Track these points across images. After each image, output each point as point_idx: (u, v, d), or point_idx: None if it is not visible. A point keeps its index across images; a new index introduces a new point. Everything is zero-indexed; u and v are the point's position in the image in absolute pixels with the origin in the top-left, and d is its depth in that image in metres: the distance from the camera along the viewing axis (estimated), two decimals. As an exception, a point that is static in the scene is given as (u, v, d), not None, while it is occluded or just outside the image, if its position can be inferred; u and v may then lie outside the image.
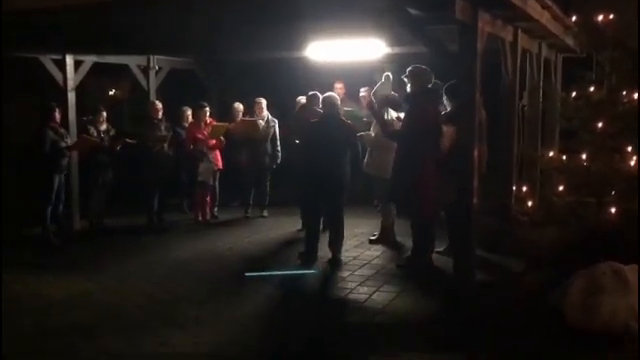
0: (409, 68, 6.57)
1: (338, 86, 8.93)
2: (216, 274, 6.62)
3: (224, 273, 6.65)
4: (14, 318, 5.37)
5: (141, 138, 8.79)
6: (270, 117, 9.47)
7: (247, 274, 3.23)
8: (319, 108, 7.30)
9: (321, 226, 7.30)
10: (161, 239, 8.32)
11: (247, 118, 9.46)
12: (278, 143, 9.50)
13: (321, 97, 7.24)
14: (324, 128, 6.89)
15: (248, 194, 9.65)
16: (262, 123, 9.35)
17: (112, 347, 4.72)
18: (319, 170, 6.73)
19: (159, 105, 9.03)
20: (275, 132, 9.47)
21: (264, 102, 9.44)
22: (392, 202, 7.21)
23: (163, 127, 8.95)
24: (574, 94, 6.34)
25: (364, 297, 5.78)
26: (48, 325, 5.21)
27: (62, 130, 8.26)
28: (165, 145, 8.91)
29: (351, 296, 5.82)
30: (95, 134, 8.51)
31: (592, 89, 6.22)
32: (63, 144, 8.15)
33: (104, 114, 8.66)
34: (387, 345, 4.64)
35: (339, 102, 7.19)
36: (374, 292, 5.91)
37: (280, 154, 9.50)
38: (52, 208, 8.19)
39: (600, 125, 6.02)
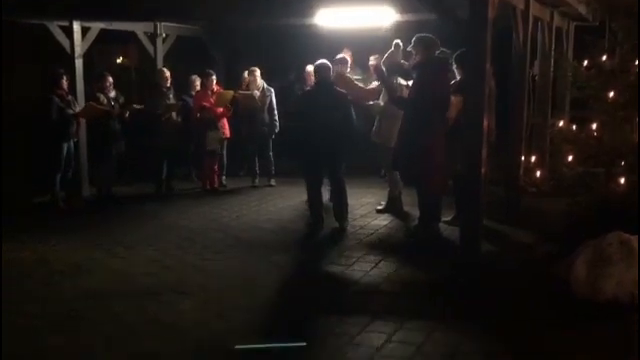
0: (415, 37, 6.48)
1: (346, 54, 8.83)
2: (223, 242, 6.66)
3: (231, 241, 6.69)
4: (23, 283, 5.45)
5: (149, 106, 8.77)
6: (266, 86, 9.39)
7: (237, 347, 3.24)
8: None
9: (328, 197, 7.30)
10: (169, 207, 8.35)
11: (243, 91, 9.38)
12: (275, 112, 9.44)
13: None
14: (317, 96, 6.83)
15: (253, 164, 9.64)
16: (257, 93, 9.29)
17: (120, 312, 4.77)
18: (315, 139, 6.69)
19: (167, 73, 8.99)
20: (272, 101, 9.39)
21: (258, 71, 9.34)
22: (396, 170, 7.18)
23: (171, 95, 8.92)
24: (586, 63, 6.25)
25: (370, 266, 5.79)
26: (57, 290, 5.27)
27: (69, 97, 8.27)
28: (173, 114, 8.90)
29: (357, 265, 5.84)
30: (105, 102, 8.49)
31: (604, 58, 6.13)
32: (70, 111, 8.15)
33: (110, 79, 8.60)
34: (392, 313, 4.66)
35: (331, 70, 7.06)
36: (380, 261, 5.92)
37: (278, 123, 9.45)
38: (61, 175, 8.23)
39: (611, 95, 5.95)
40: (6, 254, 6.16)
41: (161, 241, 6.69)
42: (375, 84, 7.80)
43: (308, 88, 7.08)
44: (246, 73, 9.55)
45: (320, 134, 6.64)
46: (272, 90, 9.43)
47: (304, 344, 3.31)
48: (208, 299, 5.02)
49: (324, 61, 7.00)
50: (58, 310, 4.83)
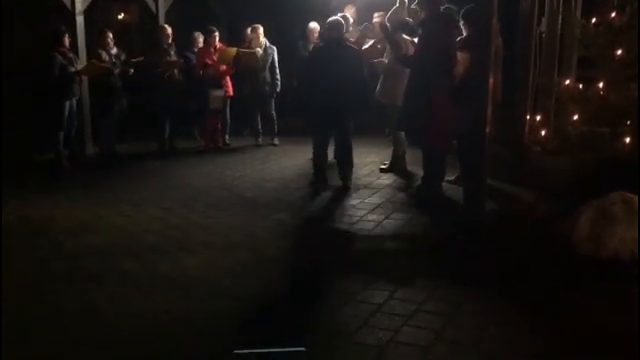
0: None
1: (350, 10, 8.69)
2: (227, 200, 6.68)
3: (235, 200, 6.71)
4: (27, 241, 5.50)
5: (150, 64, 8.69)
6: (268, 44, 9.27)
7: (235, 351, 3.25)
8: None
9: (332, 155, 7.29)
10: (173, 165, 8.36)
11: (245, 49, 9.26)
12: (277, 71, 9.34)
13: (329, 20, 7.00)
14: (330, 54, 6.74)
15: (255, 122, 9.60)
16: (260, 51, 9.17)
17: (125, 268, 4.82)
18: (325, 96, 6.62)
19: (169, 30, 8.88)
20: (274, 60, 9.28)
21: (261, 29, 9.21)
22: (401, 130, 7.14)
23: (172, 52, 8.83)
24: (594, 20, 6.14)
25: (373, 225, 5.82)
26: (61, 248, 5.32)
27: (71, 55, 8.20)
28: (175, 71, 8.82)
29: (360, 224, 5.87)
30: (107, 59, 8.42)
31: (613, 15, 6.02)
32: (72, 69, 8.10)
33: (110, 36, 8.52)
34: (394, 271, 4.70)
35: (344, 26, 6.96)
36: (383, 220, 5.94)
37: (279, 82, 9.36)
38: (64, 133, 8.23)
39: (619, 53, 5.86)
40: (10, 213, 6.20)
41: (165, 199, 6.71)
42: (370, 42, 7.70)
43: (320, 44, 6.95)
44: (249, 30, 9.42)
45: (331, 92, 6.56)
46: (274, 48, 9.32)
47: (304, 349, 3.37)
48: (212, 256, 5.07)
49: (337, 18, 6.91)
50: (62, 267, 4.88)
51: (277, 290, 4.47)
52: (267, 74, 9.29)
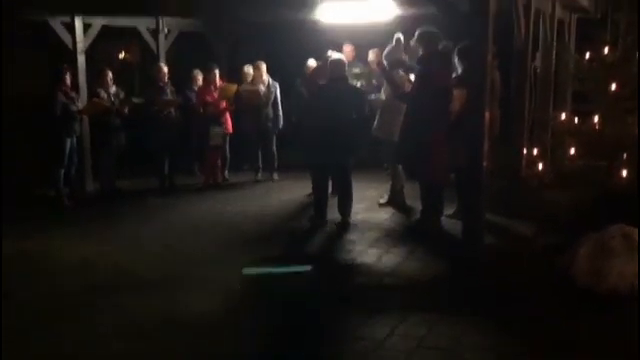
0: (417, 31, 6.48)
1: (347, 49, 8.83)
2: (226, 237, 6.68)
3: (234, 236, 6.71)
4: (26, 278, 5.48)
5: (147, 102, 8.78)
6: (271, 81, 9.39)
7: (245, 271, 3.22)
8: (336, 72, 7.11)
9: (330, 190, 7.32)
10: (172, 202, 8.38)
11: (247, 88, 9.37)
12: (280, 107, 9.44)
13: (330, 60, 7.14)
14: (332, 92, 6.83)
15: (256, 158, 9.65)
16: (263, 89, 9.28)
17: (124, 305, 4.80)
18: (326, 134, 6.69)
19: (165, 69, 8.98)
20: (277, 96, 9.40)
21: (264, 66, 9.35)
22: (399, 164, 7.18)
23: (169, 91, 8.92)
24: (588, 55, 6.24)
25: (373, 259, 5.81)
26: (61, 284, 5.30)
27: (73, 93, 8.27)
28: (172, 109, 8.89)
29: (360, 259, 5.86)
30: (105, 97, 8.51)
31: (606, 50, 6.12)
32: (74, 107, 8.17)
33: (110, 75, 8.63)
34: (395, 307, 4.68)
35: (347, 65, 7.10)
36: (383, 255, 5.94)
37: (282, 118, 9.45)
38: (65, 171, 8.26)
39: (613, 87, 5.94)
40: (10, 248, 6.19)
41: (165, 236, 6.71)
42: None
43: (323, 83, 7.08)
44: (248, 68, 9.48)
45: (333, 132, 6.63)
46: (277, 85, 9.44)
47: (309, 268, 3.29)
48: (212, 293, 5.04)
49: (340, 56, 7.02)
50: (61, 304, 4.86)
51: (276, 326, 4.45)
52: (270, 110, 9.38)
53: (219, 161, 9.35)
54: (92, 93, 8.58)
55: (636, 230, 4.90)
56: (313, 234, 6.77)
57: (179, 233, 6.82)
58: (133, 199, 8.65)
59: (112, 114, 8.50)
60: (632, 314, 4.40)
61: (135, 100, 8.77)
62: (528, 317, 4.47)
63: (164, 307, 4.76)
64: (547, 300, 4.77)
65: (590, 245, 4.96)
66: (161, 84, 8.84)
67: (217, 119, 9.08)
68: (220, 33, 11.15)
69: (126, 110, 8.64)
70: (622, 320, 4.37)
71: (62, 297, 5.00)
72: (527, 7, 6.82)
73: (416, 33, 6.48)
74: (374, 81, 8.10)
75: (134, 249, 6.26)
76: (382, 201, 7.87)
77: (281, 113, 9.45)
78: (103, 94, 8.48)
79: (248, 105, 9.36)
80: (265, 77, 9.35)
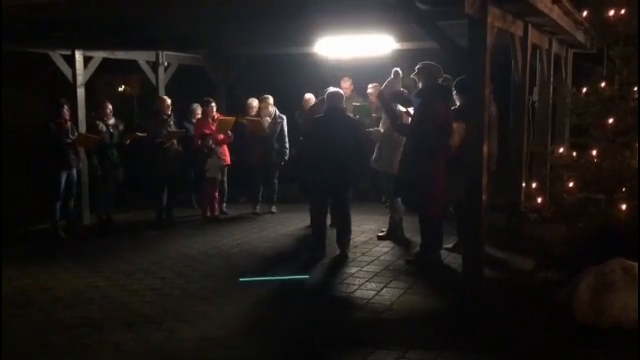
0: (418, 65, 6.54)
1: (345, 85, 8.89)
2: (224, 270, 6.62)
3: (232, 269, 6.65)
4: (22, 312, 5.41)
5: (150, 134, 8.80)
6: (278, 113, 9.41)
7: (241, 279, 3.17)
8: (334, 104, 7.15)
9: (329, 222, 7.30)
10: (170, 234, 8.33)
11: (252, 118, 9.42)
12: (286, 140, 9.46)
13: (327, 92, 7.19)
14: (330, 123, 6.86)
15: (256, 191, 9.61)
16: (268, 120, 9.31)
17: (119, 340, 4.73)
18: (324, 166, 6.70)
19: (168, 101, 9.03)
20: (283, 128, 9.41)
21: (270, 99, 9.38)
22: (398, 197, 7.18)
23: (172, 123, 8.96)
24: (585, 90, 6.29)
25: (372, 293, 5.76)
26: (56, 319, 5.23)
27: (68, 126, 8.24)
28: (175, 141, 8.92)
29: (359, 292, 5.81)
30: (104, 129, 8.52)
31: (603, 85, 6.18)
32: (68, 140, 8.15)
33: (110, 107, 8.66)
34: (395, 342, 4.62)
35: (345, 99, 7.15)
36: (382, 288, 5.89)
37: (288, 150, 9.47)
38: (62, 203, 8.23)
39: (611, 121, 5.98)
40: (5, 282, 6.13)
41: (161, 269, 6.66)
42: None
43: (320, 115, 7.11)
44: (252, 100, 9.46)
45: (331, 161, 6.65)
46: (284, 117, 9.43)
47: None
48: (208, 327, 4.98)
49: (336, 89, 7.08)
50: (57, 338, 4.78)
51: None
52: (275, 142, 9.39)
53: (217, 194, 9.33)
54: (90, 125, 8.60)
55: (636, 264, 4.86)
56: (311, 267, 6.72)
57: (175, 266, 6.77)
58: (130, 232, 8.60)
59: (108, 147, 8.49)
60: (633, 348, 4.35)
61: (139, 134, 8.78)
62: (528, 353, 4.40)
63: (160, 342, 4.69)
64: (548, 335, 4.71)
65: (590, 279, 4.92)
66: (164, 116, 8.87)
67: (214, 151, 9.09)
68: (219, 66, 11.26)
69: (127, 142, 8.65)
70: (624, 355, 4.31)
71: (57, 332, 4.93)
72: (524, 42, 6.90)
73: (417, 66, 6.53)
74: (373, 115, 8.14)
75: (130, 283, 6.20)
76: (381, 234, 7.85)
77: (287, 145, 9.43)
78: (102, 126, 8.49)
79: (252, 136, 9.37)
80: (272, 109, 9.36)
